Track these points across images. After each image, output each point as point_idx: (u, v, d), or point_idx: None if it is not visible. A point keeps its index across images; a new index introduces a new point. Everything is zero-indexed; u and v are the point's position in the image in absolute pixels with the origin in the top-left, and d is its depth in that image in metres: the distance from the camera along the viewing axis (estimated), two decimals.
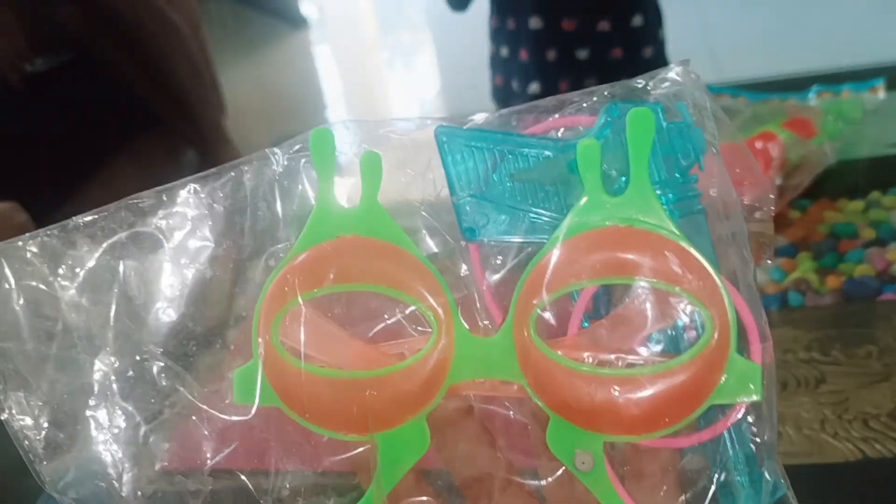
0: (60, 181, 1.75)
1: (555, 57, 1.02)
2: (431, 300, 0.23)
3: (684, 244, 0.22)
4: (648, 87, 0.25)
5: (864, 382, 0.49)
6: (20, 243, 0.25)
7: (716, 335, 0.22)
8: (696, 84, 0.25)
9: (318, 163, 0.24)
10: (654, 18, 1.04)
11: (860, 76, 0.77)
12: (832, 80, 0.78)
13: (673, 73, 0.25)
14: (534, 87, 1.06)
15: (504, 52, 1.08)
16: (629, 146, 0.22)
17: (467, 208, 0.24)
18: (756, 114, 0.72)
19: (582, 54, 1.02)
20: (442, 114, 2.43)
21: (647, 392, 0.22)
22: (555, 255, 0.23)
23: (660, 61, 1.05)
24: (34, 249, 0.25)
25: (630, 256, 0.22)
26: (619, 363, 0.23)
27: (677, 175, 0.23)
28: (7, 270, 0.25)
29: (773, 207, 0.27)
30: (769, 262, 0.30)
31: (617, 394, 0.22)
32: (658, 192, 0.23)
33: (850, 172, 0.69)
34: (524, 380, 0.23)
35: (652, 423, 0.22)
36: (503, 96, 1.12)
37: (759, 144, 0.63)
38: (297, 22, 3.11)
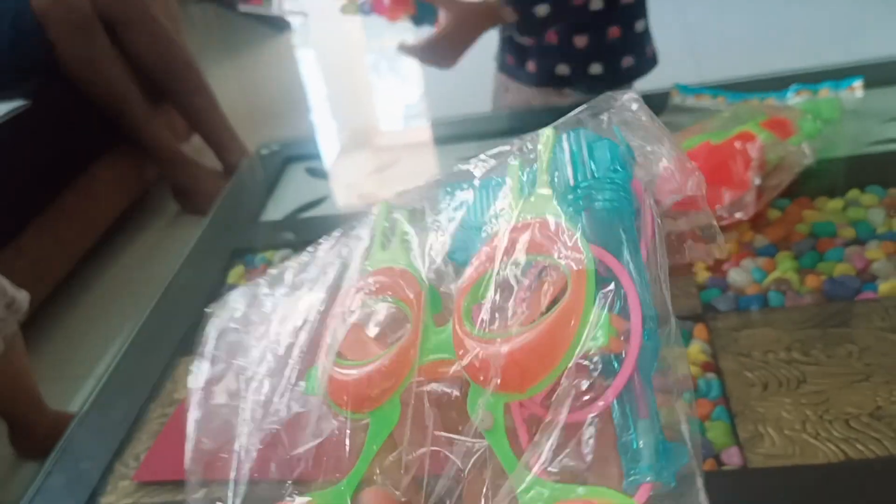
0: (42, 190, 1.74)
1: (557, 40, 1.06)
2: (412, 299, 0.29)
3: (557, 219, 0.26)
4: (600, 116, 0.29)
5: (845, 382, 0.48)
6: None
7: (571, 290, 0.25)
8: (640, 109, 0.29)
9: (376, 226, 0.33)
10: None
11: (838, 75, 0.78)
12: (811, 79, 0.79)
13: (623, 100, 0.29)
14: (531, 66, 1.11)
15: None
16: (538, 159, 0.28)
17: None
18: (735, 114, 0.72)
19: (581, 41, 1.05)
20: (425, 117, 2.43)
21: (519, 349, 0.25)
22: (481, 253, 0.28)
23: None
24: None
25: (520, 241, 0.27)
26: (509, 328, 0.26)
27: (591, 179, 0.27)
28: None
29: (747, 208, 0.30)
30: (717, 254, 0.33)
31: (498, 354, 0.25)
32: (570, 193, 0.27)
33: (829, 171, 0.69)
34: (455, 355, 0.27)
35: (529, 378, 0.25)
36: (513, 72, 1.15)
37: (738, 145, 0.63)
38: (279, 25, 3.10)
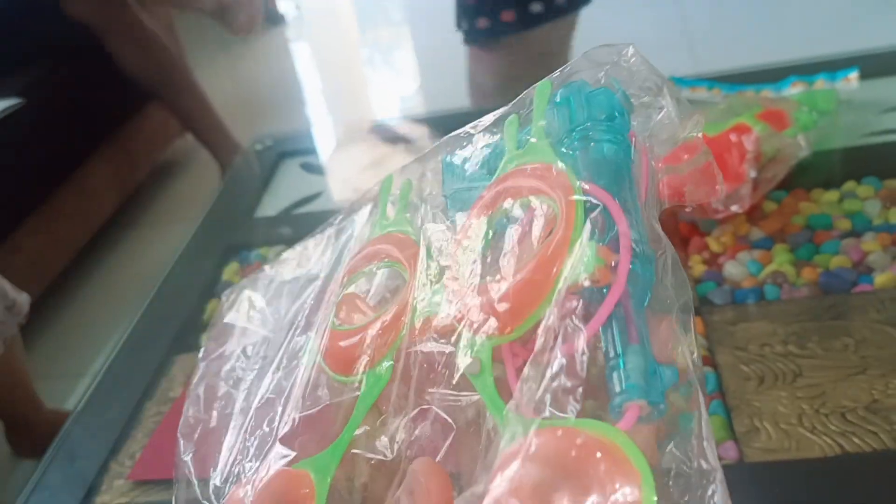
0: (36, 187, 1.73)
1: None
2: (408, 259, 0.31)
3: (551, 164, 0.26)
4: (598, 72, 0.29)
5: (842, 375, 0.48)
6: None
7: (563, 225, 0.24)
8: (638, 60, 0.28)
9: (381, 196, 0.35)
10: None
11: (834, 66, 0.77)
12: (806, 70, 0.78)
13: (621, 53, 0.28)
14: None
15: None
16: (534, 110, 0.28)
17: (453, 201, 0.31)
18: (730, 106, 0.72)
19: None
20: (421, 109, 2.42)
21: (506, 289, 0.25)
22: (475, 205, 0.28)
23: None
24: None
25: (512, 186, 0.27)
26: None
27: (588, 123, 0.27)
28: None
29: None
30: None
31: (486, 296, 0.25)
32: (566, 137, 0.27)
33: (825, 163, 0.68)
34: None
35: (516, 316, 0.24)
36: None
37: (733, 137, 0.63)
38: (273, 19, 3.08)
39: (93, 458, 0.53)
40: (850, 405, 0.46)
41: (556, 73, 0.28)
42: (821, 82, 0.77)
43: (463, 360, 0.25)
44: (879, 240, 0.59)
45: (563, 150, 0.26)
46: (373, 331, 0.29)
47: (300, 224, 0.80)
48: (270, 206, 0.85)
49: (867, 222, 0.62)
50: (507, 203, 0.27)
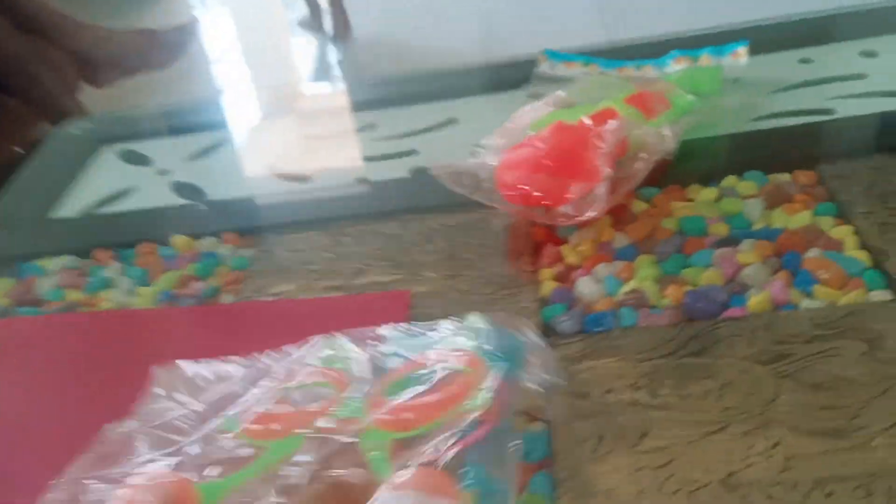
0: None
1: None
2: (337, 381, 0.40)
3: (473, 354, 0.38)
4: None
5: (697, 435, 0.38)
6: None
7: (471, 371, 0.37)
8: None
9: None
10: None
11: (721, 39, 0.67)
12: (691, 43, 0.68)
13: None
14: None
15: None
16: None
17: None
18: (602, 85, 0.62)
19: None
20: (352, 76, 2.27)
21: (420, 403, 0.36)
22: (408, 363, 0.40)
23: None
24: None
25: (434, 357, 0.39)
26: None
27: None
28: None
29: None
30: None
31: (398, 403, 0.36)
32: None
33: (704, 153, 0.59)
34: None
35: (419, 421, 0.34)
36: None
37: (590, 124, 0.52)
38: None
39: None
40: (702, 479, 0.36)
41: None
42: (706, 57, 0.66)
43: (366, 449, 0.34)
44: (758, 248, 0.50)
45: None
46: (287, 417, 0.37)
47: (103, 227, 0.67)
48: (73, 204, 0.71)
49: (747, 226, 0.52)
50: (424, 367, 0.38)
